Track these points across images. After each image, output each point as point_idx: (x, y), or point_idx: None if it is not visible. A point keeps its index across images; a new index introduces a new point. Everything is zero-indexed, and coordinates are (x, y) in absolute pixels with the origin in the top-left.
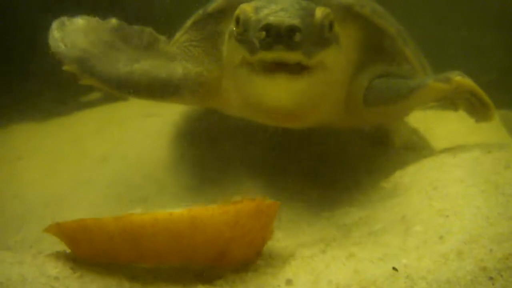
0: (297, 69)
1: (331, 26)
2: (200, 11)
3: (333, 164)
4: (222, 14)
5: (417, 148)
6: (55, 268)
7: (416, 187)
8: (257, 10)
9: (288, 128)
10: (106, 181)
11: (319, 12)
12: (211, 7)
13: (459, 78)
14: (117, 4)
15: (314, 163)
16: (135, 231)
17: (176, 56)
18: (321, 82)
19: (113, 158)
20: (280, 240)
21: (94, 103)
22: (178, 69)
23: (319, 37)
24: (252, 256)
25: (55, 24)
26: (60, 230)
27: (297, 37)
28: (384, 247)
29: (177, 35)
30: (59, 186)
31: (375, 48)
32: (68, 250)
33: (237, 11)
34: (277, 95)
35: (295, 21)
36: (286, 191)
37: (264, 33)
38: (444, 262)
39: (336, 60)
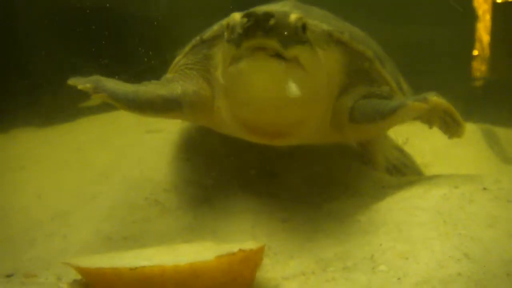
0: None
1: (304, 28)
2: (198, 37)
3: (321, 186)
4: (215, 40)
5: (400, 168)
6: None
7: (386, 227)
8: (246, 13)
9: (277, 146)
10: (110, 201)
11: (294, 15)
12: (207, 34)
13: (435, 98)
14: (124, 27)
15: (303, 186)
16: (147, 281)
17: (174, 78)
18: (300, 80)
19: (115, 176)
20: (268, 271)
21: (92, 109)
22: (177, 88)
23: (294, 34)
24: None
25: None
26: (81, 272)
27: (272, 21)
28: (353, 284)
29: (177, 59)
30: (64, 200)
31: (356, 70)
32: None
33: (229, 19)
34: (261, 80)
35: (271, 12)
36: (275, 217)
37: (245, 19)
38: None
39: (312, 61)
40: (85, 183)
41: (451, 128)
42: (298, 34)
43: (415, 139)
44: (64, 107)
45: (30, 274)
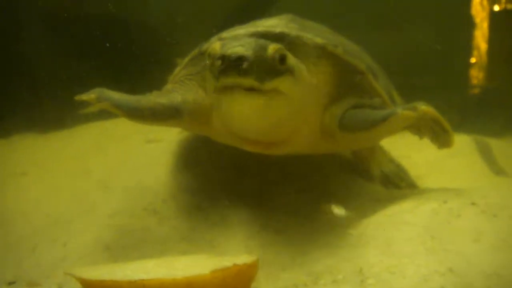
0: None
1: (282, 59)
2: (196, 50)
3: (315, 198)
4: None
5: (395, 180)
6: None
7: (375, 241)
8: (222, 46)
9: (271, 155)
10: (109, 210)
11: (271, 48)
12: (205, 46)
13: (424, 107)
14: (127, 35)
15: (298, 198)
16: None
17: (174, 88)
18: (283, 105)
19: (115, 185)
20: (261, 283)
21: (91, 117)
22: (178, 96)
23: (271, 67)
24: None
25: None
26: (82, 283)
27: (245, 65)
28: None
29: (176, 70)
30: (64, 207)
31: (348, 82)
32: None
33: (209, 48)
34: (242, 112)
35: (245, 53)
36: (269, 228)
37: (220, 61)
38: None
39: (294, 86)
40: (85, 190)
41: (440, 137)
42: (276, 67)
43: (410, 151)
44: (64, 114)
45: (33, 283)
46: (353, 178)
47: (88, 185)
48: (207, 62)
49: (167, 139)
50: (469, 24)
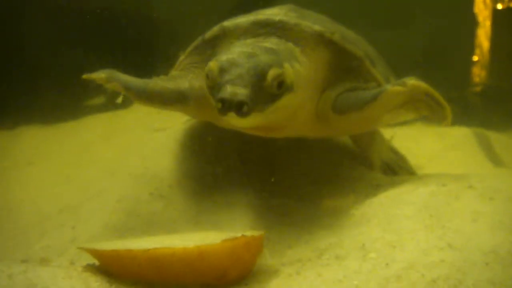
0: None
1: (280, 85)
2: (200, 38)
3: (317, 183)
4: (217, 39)
5: (395, 168)
6: (96, 282)
7: (377, 219)
8: (221, 72)
9: (275, 141)
10: (116, 196)
11: (270, 75)
12: (208, 34)
13: (413, 82)
14: (129, 27)
15: (300, 181)
16: (158, 261)
17: (180, 75)
18: (282, 114)
19: (121, 172)
20: (267, 258)
21: (97, 108)
22: (185, 82)
23: (270, 95)
24: (245, 275)
25: None
26: (96, 254)
27: (245, 108)
28: (345, 269)
29: (181, 58)
30: (72, 194)
31: (344, 68)
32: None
33: (207, 69)
34: (241, 125)
35: (244, 98)
36: (274, 212)
37: (220, 104)
38: (385, 284)
39: (293, 100)
40: (92, 179)
41: (436, 112)
42: (275, 93)
43: (410, 143)
44: (69, 105)
45: (45, 259)
46: (354, 165)
47: (94, 174)
48: (206, 81)
49: (173, 128)
50: (472, 22)
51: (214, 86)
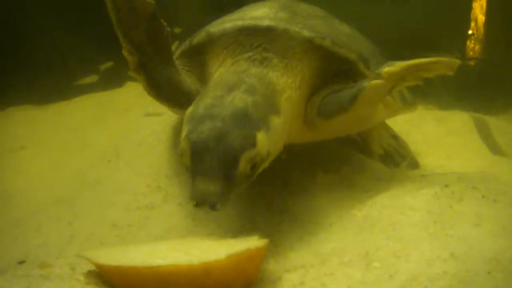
0: None
1: (254, 166)
2: (187, 42)
3: (317, 176)
4: (205, 46)
5: (395, 157)
6: None
7: (380, 225)
8: (192, 156)
9: None
10: (113, 187)
11: (243, 161)
12: (195, 39)
13: (386, 69)
14: None
15: (300, 174)
16: (164, 278)
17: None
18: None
19: (117, 160)
20: (270, 262)
21: (89, 87)
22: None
23: (244, 177)
24: (248, 286)
25: None
26: (99, 268)
27: (218, 206)
28: (349, 279)
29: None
30: (67, 183)
31: (334, 72)
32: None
33: (179, 148)
34: None
35: (215, 198)
36: (274, 207)
37: (194, 202)
38: None
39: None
40: (87, 166)
41: (433, 71)
42: (248, 175)
43: (409, 127)
44: (60, 85)
45: (45, 264)
46: (354, 155)
47: (89, 159)
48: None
49: (167, 112)
50: None
51: (187, 168)
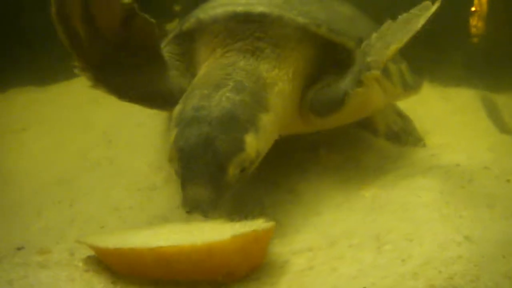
0: None
1: (243, 169)
2: (178, 28)
3: (323, 155)
4: (195, 33)
5: (401, 135)
6: (99, 284)
7: (391, 206)
8: (180, 162)
9: None
10: (114, 167)
11: (232, 166)
12: (185, 25)
13: (367, 75)
14: None
15: (305, 154)
16: (166, 259)
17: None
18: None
19: (118, 140)
20: (276, 244)
21: None
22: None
23: (234, 182)
24: (254, 269)
25: None
26: (98, 252)
27: (210, 214)
28: (359, 263)
29: (162, 44)
30: (68, 164)
31: (331, 61)
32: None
33: (169, 154)
34: None
35: (206, 205)
36: (281, 188)
37: (187, 208)
38: (401, 281)
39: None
40: (87, 146)
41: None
42: (237, 179)
43: (415, 104)
44: (60, 66)
45: (44, 250)
46: (360, 133)
47: (90, 140)
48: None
49: None
50: None
51: (177, 173)
